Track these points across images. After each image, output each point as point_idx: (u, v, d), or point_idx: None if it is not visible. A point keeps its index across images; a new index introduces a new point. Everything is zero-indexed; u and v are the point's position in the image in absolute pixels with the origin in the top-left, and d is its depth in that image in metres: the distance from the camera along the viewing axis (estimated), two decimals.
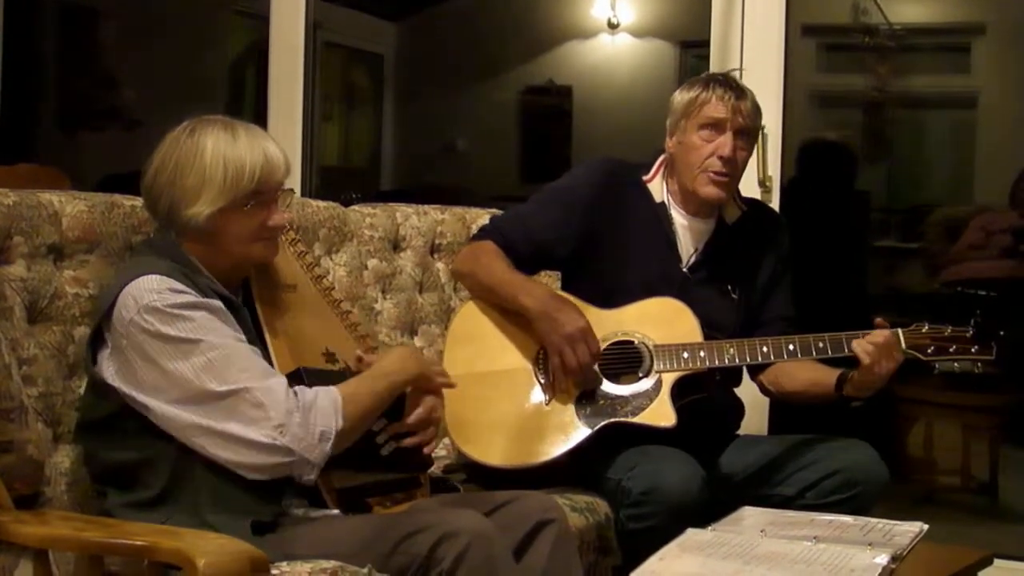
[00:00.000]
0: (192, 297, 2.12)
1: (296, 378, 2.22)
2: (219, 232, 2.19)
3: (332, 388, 2.16)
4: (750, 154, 2.85)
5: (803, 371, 2.78)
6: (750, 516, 2.37)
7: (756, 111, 2.82)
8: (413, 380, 2.30)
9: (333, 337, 2.40)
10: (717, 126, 2.75)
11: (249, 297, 2.31)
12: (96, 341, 2.17)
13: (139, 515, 2.11)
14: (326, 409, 2.12)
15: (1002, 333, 2.61)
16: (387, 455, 2.31)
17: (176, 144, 2.21)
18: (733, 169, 2.78)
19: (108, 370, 2.14)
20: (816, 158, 4.46)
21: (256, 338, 2.24)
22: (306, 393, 2.12)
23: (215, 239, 2.20)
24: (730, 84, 2.78)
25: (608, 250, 2.81)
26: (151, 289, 2.10)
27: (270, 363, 2.23)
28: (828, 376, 2.71)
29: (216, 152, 2.18)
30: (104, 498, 2.19)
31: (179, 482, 2.11)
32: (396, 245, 3.15)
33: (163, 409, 2.09)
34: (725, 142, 2.74)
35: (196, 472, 2.11)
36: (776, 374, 2.83)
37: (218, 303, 2.15)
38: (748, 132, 2.81)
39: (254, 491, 2.12)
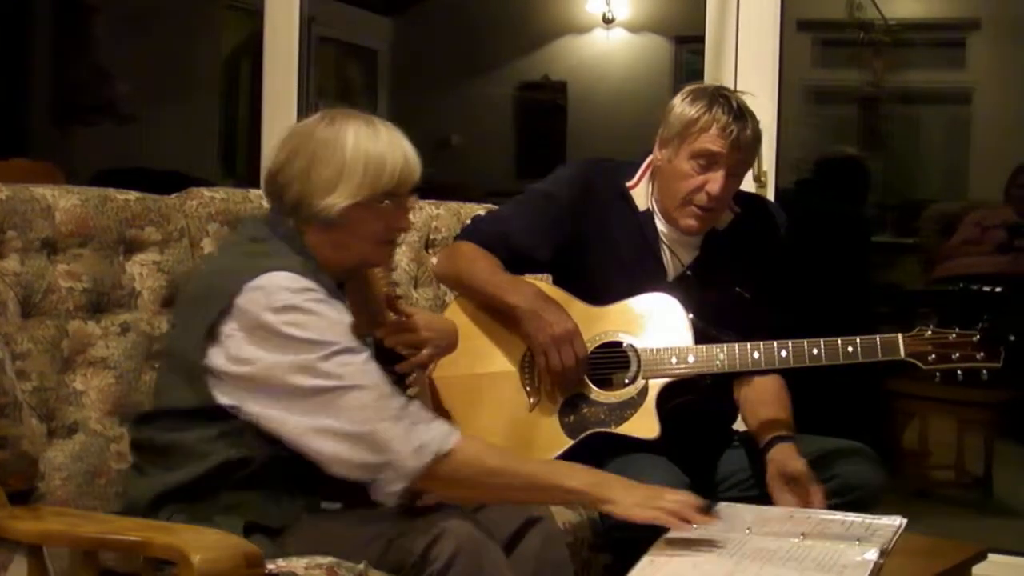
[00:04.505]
0: (322, 295, 2.07)
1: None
2: (347, 227, 2.13)
3: (455, 429, 2.06)
4: (742, 179, 2.73)
5: (765, 409, 2.67)
6: (730, 513, 2.32)
7: (756, 140, 2.66)
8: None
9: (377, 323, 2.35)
10: (711, 160, 2.60)
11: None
12: (209, 329, 2.07)
13: (161, 503, 2.09)
14: (437, 428, 2.04)
15: (1012, 338, 2.48)
16: None
17: (312, 134, 2.14)
18: (720, 203, 2.66)
19: (215, 360, 2.05)
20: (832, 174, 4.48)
21: None
22: (422, 411, 2.06)
23: (341, 233, 2.14)
24: (734, 111, 2.59)
25: (593, 257, 2.73)
26: (283, 287, 2.04)
27: None
28: (771, 429, 2.61)
29: (358, 145, 2.12)
30: (136, 472, 2.17)
31: (215, 489, 2.07)
32: None
33: (273, 414, 2.02)
34: (716, 179, 2.60)
35: (233, 484, 2.07)
36: (747, 393, 2.74)
37: (341, 306, 2.11)
38: (745, 163, 2.70)
39: (286, 505, 2.09)
